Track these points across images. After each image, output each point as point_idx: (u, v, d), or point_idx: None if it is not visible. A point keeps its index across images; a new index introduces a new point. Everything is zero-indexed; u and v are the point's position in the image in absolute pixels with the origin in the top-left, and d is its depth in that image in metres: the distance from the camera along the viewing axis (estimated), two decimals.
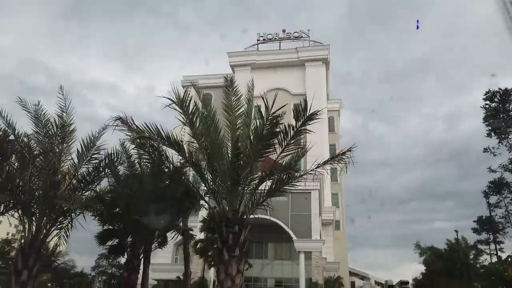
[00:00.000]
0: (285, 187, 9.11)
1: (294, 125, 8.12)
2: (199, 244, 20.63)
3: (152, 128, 8.36)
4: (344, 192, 51.00)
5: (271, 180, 9.18)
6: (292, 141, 8.45)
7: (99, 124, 10.38)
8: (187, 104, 8.20)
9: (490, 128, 24.73)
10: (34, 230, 9.34)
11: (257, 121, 8.38)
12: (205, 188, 9.44)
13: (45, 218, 9.47)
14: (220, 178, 8.89)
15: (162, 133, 8.41)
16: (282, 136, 8.34)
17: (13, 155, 9.51)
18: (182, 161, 9.37)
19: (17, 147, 9.44)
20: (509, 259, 23.64)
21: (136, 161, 9.45)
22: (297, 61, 45.87)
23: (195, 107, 8.50)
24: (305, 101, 7.97)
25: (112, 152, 9.77)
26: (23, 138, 9.59)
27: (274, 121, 7.87)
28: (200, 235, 20.42)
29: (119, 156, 9.68)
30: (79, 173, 10.01)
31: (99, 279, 48.20)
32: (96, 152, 10.10)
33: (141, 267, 10.19)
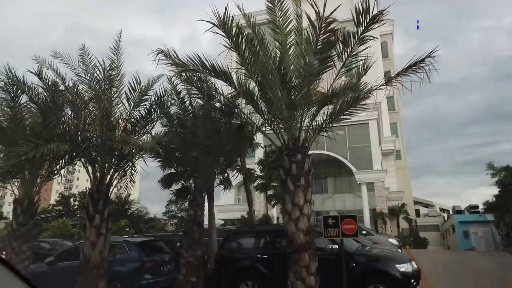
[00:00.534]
0: (350, 110, 8.15)
1: (355, 31, 6.94)
2: (258, 182, 20.68)
3: (196, 60, 7.67)
4: (403, 121, 48.30)
5: (332, 105, 8.27)
6: (354, 52, 7.33)
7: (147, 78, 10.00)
8: (229, 25, 7.31)
9: None
10: (98, 176, 9.49)
11: (309, 32, 7.28)
12: (260, 119, 8.80)
13: (106, 165, 9.56)
14: (276, 106, 8.15)
15: (207, 63, 7.71)
16: (340, 47, 7.24)
17: (66, 105, 9.49)
18: (233, 93, 8.73)
19: (68, 96, 9.36)
20: None
21: (186, 99, 8.95)
22: None
23: (239, 29, 7.60)
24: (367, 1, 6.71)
25: (161, 90, 9.37)
26: (73, 88, 9.46)
27: (329, 28, 6.75)
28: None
29: (169, 95, 9.24)
30: (132, 117, 9.83)
31: (171, 222, 52.18)
32: (145, 93, 9.79)
33: (206, 205, 10.21)
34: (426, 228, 43.70)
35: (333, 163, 32.75)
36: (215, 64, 7.78)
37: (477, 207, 39.18)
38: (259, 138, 19.37)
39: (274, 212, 30.75)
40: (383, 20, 6.77)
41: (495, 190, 28.86)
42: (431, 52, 6.78)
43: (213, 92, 8.71)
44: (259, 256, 9.70)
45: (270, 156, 20.15)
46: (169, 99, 9.21)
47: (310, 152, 8.13)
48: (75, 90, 9.25)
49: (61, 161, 10.52)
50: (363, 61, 7.85)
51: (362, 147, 31.92)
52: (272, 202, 23.69)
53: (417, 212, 49.13)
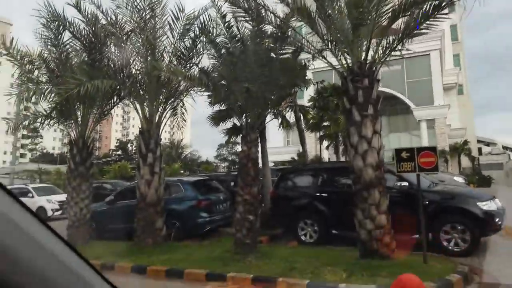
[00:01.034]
0: (428, 22, 6.75)
1: None
2: (310, 121, 19.72)
3: None
4: (466, 52, 43.60)
5: (406, 18, 6.89)
6: None
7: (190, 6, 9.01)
8: None
9: None
10: (148, 115, 9.14)
11: None
12: (317, 44, 7.68)
13: (154, 103, 9.14)
14: (337, 23, 6.96)
15: None
16: None
17: (108, 39, 8.97)
18: (285, 12, 7.63)
19: (110, 29, 8.78)
20: None
21: (232, 23, 7.98)
22: None
23: None
24: None
25: (205, 17, 8.45)
26: (114, 20, 8.84)
27: None
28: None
29: (213, 20, 8.32)
30: (177, 50, 9.15)
31: (222, 165, 53.77)
32: (189, 22, 8.95)
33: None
34: (489, 166, 40.86)
35: (387, 100, 30.62)
36: None
37: None
38: (309, 75, 18.08)
39: (326, 154, 29.92)
40: None
41: None
42: None
43: (263, 14, 7.63)
44: (318, 194, 9.13)
45: (323, 94, 18.93)
46: (215, 25, 8.29)
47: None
48: (116, 21, 8.61)
49: (111, 101, 10.30)
50: None
51: (422, 81, 29.31)
52: (324, 143, 22.81)
53: (479, 150, 45.93)
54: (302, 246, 8.58)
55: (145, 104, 9.16)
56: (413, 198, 7.04)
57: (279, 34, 7.98)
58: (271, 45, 8.30)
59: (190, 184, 10.60)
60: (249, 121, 8.05)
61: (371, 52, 7.00)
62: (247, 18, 7.68)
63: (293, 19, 7.71)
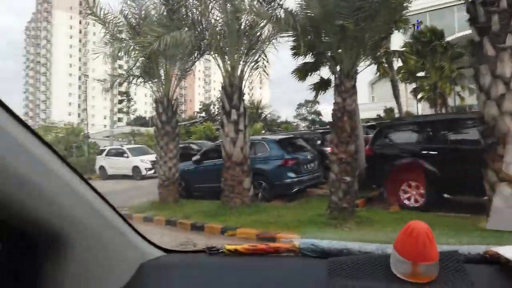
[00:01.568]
0: None
1: None
2: (402, 71, 17.51)
3: None
4: None
5: None
6: None
7: None
8: None
9: None
10: (229, 69, 8.53)
11: None
12: None
13: (235, 55, 8.46)
14: None
15: None
16: None
17: None
18: None
19: None
20: None
21: None
22: None
23: None
24: None
25: None
26: None
27: None
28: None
29: None
30: None
31: (302, 124, 52.88)
32: None
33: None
34: None
35: None
36: None
37: None
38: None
39: (418, 109, 26.97)
40: None
41: None
42: None
43: None
44: (425, 152, 7.80)
45: (420, 38, 16.51)
46: None
47: None
48: None
49: (192, 57, 9.89)
50: None
51: None
52: (419, 96, 20.38)
53: None
54: (405, 211, 7.50)
55: (226, 57, 8.55)
56: None
57: None
58: None
59: (276, 142, 9.99)
60: (343, 67, 6.94)
61: None
62: None
63: None
